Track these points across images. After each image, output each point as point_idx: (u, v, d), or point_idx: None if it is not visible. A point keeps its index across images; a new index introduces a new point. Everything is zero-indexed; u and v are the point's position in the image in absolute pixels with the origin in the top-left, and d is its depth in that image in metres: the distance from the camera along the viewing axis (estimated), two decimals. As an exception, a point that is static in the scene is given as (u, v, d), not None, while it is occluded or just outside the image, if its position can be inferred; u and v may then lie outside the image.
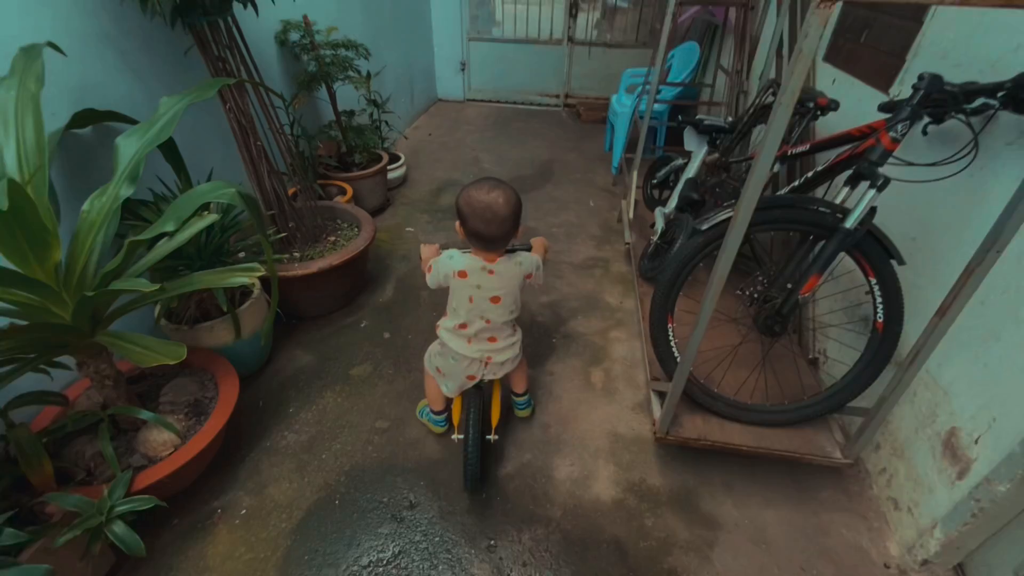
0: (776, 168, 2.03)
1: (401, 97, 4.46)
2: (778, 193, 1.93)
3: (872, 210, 1.43)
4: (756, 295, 1.66)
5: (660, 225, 2.39)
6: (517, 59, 5.19)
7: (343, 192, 2.90)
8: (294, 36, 2.63)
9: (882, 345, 1.55)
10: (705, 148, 2.52)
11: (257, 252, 2.04)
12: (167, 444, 1.49)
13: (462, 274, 1.43)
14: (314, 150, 2.72)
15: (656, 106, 3.58)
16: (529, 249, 1.56)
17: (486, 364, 1.57)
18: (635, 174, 2.98)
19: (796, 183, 1.82)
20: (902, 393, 1.41)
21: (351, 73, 2.74)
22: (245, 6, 1.89)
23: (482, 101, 5.47)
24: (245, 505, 1.62)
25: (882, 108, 1.58)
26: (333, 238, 2.43)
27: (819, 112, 1.97)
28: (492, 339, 1.55)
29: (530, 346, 2.27)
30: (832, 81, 2.26)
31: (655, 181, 2.96)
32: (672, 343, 1.71)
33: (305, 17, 2.59)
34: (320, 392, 2.02)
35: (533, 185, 3.74)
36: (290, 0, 2.60)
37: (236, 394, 1.67)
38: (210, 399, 1.68)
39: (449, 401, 1.78)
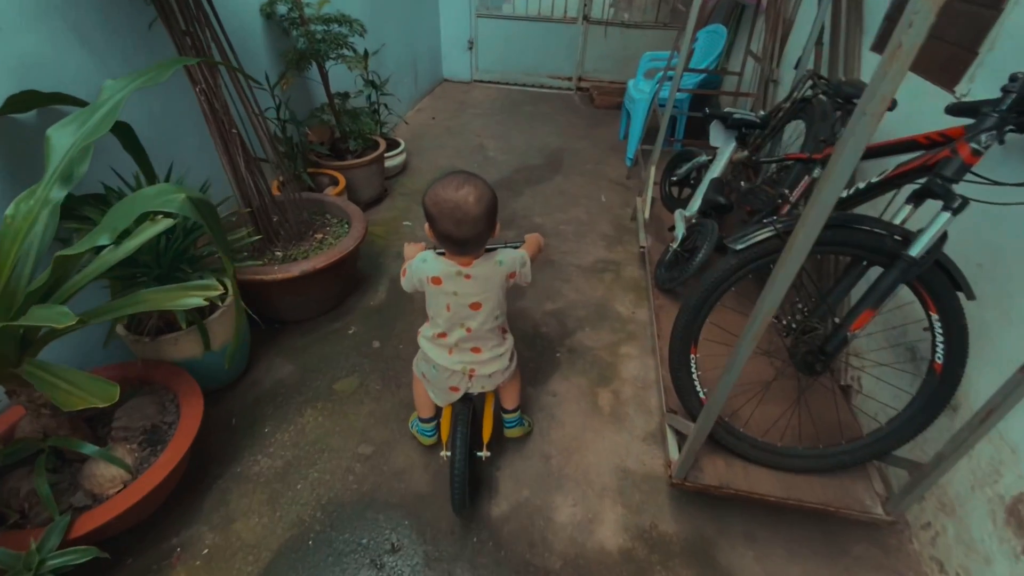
0: (816, 172, 1.79)
1: (403, 78, 4.20)
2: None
3: (943, 236, 1.20)
4: (794, 325, 1.45)
5: (680, 230, 2.16)
6: (528, 38, 4.88)
7: (335, 182, 2.68)
8: (282, 8, 2.39)
9: (940, 389, 1.33)
10: (733, 145, 2.27)
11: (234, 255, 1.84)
12: (115, 480, 1.32)
13: (436, 280, 1.29)
14: (303, 136, 2.49)
15: (677, 94, 3.32)
16: (518, 247, 1.40)
17: (470, 377, 1.43)
18: (652, 169, 2.73)
19: (844, 194, 1.59)
20: (966, 452, 1.20)
21: (345, 51, 2.50)
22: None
23: (490, 83, 5.18)
24: (208, 543, 1.45)
25: (951, 111, 1.34)
26: (320, 235, 2.22)
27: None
28: (476, 349, 1.40)
29: (532, 360, 2.08)
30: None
31: (674, 178, 2.72)
32: (695, 376, 1.50)
33: (294, -13, 2.34)
34: (299, 409, 1.84)
35: (541, 176, 3.49)
36: (278, -32, 2.36)
37: (199, 420, 1.48)
38: (170, 424, 1.50)
39: (439, 409, 1.60)
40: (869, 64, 2.16)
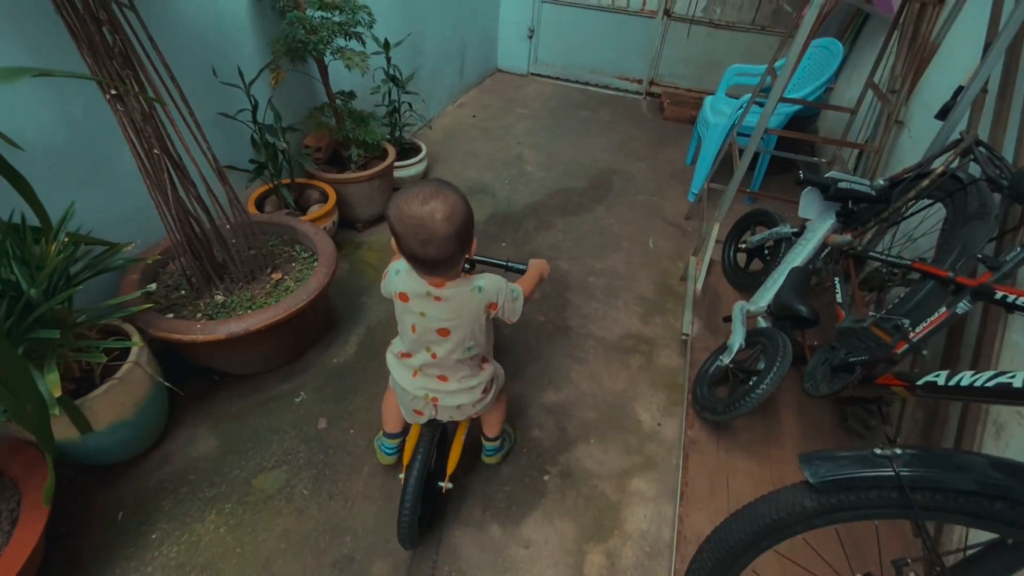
0: (962, 307, 1.16)
1: (446, 68, 3.70)
2: (982, 380, 1.02)
3: None
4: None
5: (737, 338, 1.58)
6: (597, 31, 4.23)
7: (326, 198, 2.26)
8: (274, -13, 1.95)
9: None
10: (831, 223, 1.65)
11: (177, 303, 1.45)
12: None
13: (403, 296, 1.14)
14: (287, 143, 2.07)
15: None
16: (523, 271, 1.33)
17: (434, 404, 1.27)
18: (716, 226, 2.12)
19: None
20: None
21: (345, 43, 2.03)
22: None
23: (548, 77, 4.59)
24: None
25: None
26: (278, 275, 1.81)
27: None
28: (442, 377, 1.24)
29: (511, 481, 1.59)
30: (1089, 153, 1.31)
31: (743, 245, 2.10)
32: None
33: (285, -38, 1.89)
34: (202, 510, 1.45)
35: (580, 205, 2.93)
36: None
37: (27, 553, 1.11)
38: (-7, 548, 1.14)
39: (407, 426, 1.43)
40: (1061, 131, 1.46)
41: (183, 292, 1.71)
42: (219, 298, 1.69)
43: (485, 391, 1.30)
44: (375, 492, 1.52)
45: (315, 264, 1.82)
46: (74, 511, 1.42)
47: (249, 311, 1.65)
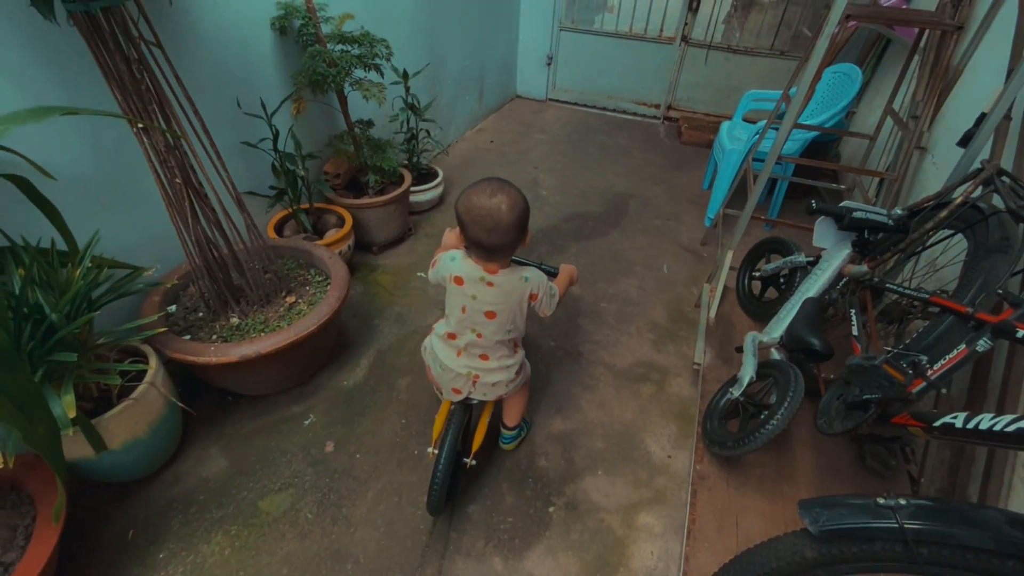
0: (982, 344, 1.11)
1: (465, 95, 3.79)
2: (1002, 424, 0.97)
3: None
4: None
5: (748, 370, 1.54)
6: (615, 57, 4.28)
7: (342, 222, 2.32)
8: (298, 22, 2.04)
9: None
10: (847, 253, 1.61)
11: (189, 326, 1.50)
12: None
13: (458, 280, 1.29)
14: (306, 169, 2.14)
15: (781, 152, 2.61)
16: (555, 274, 1.50)
17: (474, 382, 1.41)
18: (729, 254, 2.09)
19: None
20: None
21: (363, 75, 2.11)
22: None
23: (566, 103, 4.65)
24: None
25: None
26: (292, 299, 1.85)
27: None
28: (484, 356, 1.39)
29: (515, 510, 1.56)
30: (1119, 185, 1.26)
31: (757, 273, 2.06)
32: None
33: (308, 0, 1.97)
34: (209, 531, 1.47)
35: (595, 229, 2.93)
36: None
37: (45, 559, 1.14)
38: (6, 568, 1.17)
39: (438, 402, 1.64)
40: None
41: (201, 314, 1.76)
42: (235, 320, 1.74)
43: (518, 372, 1.46)
44: (377, 519, 1.52)
45: (328, 288, 1.86)
46: (87, 528, 1.45)
47: (262, 334, 1.69)
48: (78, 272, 1.30)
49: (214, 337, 1.69)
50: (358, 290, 2.36)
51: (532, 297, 1.33)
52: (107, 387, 1.41)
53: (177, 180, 1.46)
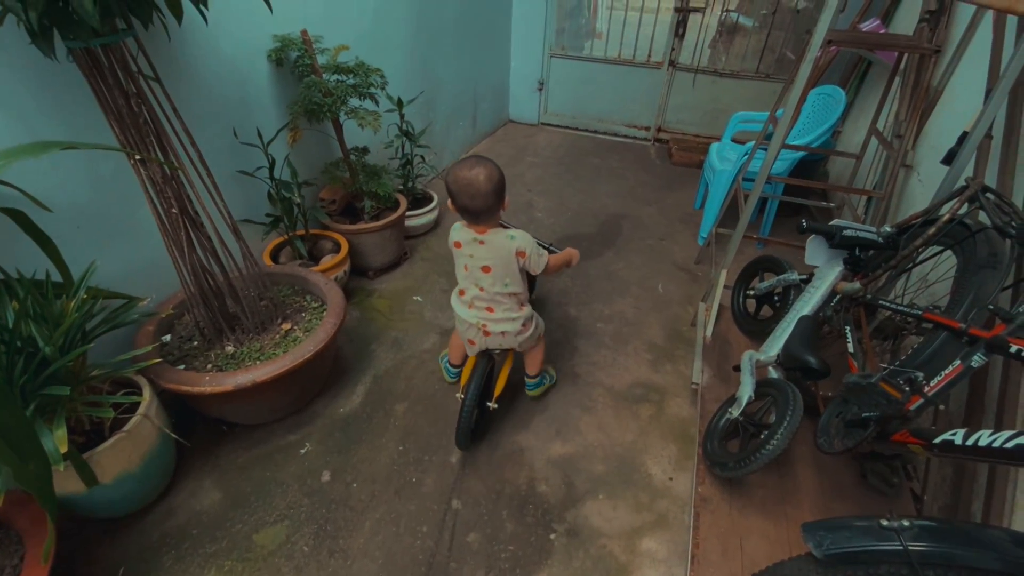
0: (976, 360, 1.12)
1: (459, 120, 3.85)
2: (1001, 440, 0.97)
3: None
4: None
5: (746, 389, 1.54)
6: (605, 81, 4.38)
7: (338, 248, 2.33)
8: (294, 54, 2.08)
9: None
10: (839, 271, 1.63)
11: (184, 354, 1.49)
12: None
13: (457, 244, 1.56)
14: (302, 196, 2.15)
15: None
16: (557, 252, 1.73)
17: (484, 332, 1.63)
18: (723, 273, 2.11)
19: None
20: None
21: (358, 103, 2.14)
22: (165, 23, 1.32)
23: (558, 127, 4.73)
24: None
25: None
26: (288, 325, 1.84)
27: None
28: (489, 308, 1.62)
29: (515, 539, 1.54)
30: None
31: (751, 292, 2.08)
32: None
33: (304, 32, 2.02)
34: (202, 567, 1.43)
35: (589, 250, 2.95)
36: (298, 11, 2.05)
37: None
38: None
39: (466, 357, 1.82)
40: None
41: (195, 343, 1.75)
42: (229, 349, 1.73)
43: (525, 325, 1.66)
44: (375, 550, 1.49)
45: (324, 314, 1.85)
46: (77, 566, 1.41)
47: (257, 362, 1.68)
48: (72, 304, 1.29)
49: (209, 366, 1.67)
50: (354, 315, 2.36)
51: (520, 254, 1.51)
52: (99, 420, 1.39)
53: (174, 210, 1.47)
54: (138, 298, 1.52)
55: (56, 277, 1.38)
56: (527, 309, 1.68)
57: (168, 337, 1.76)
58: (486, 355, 1.72)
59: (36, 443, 0.95)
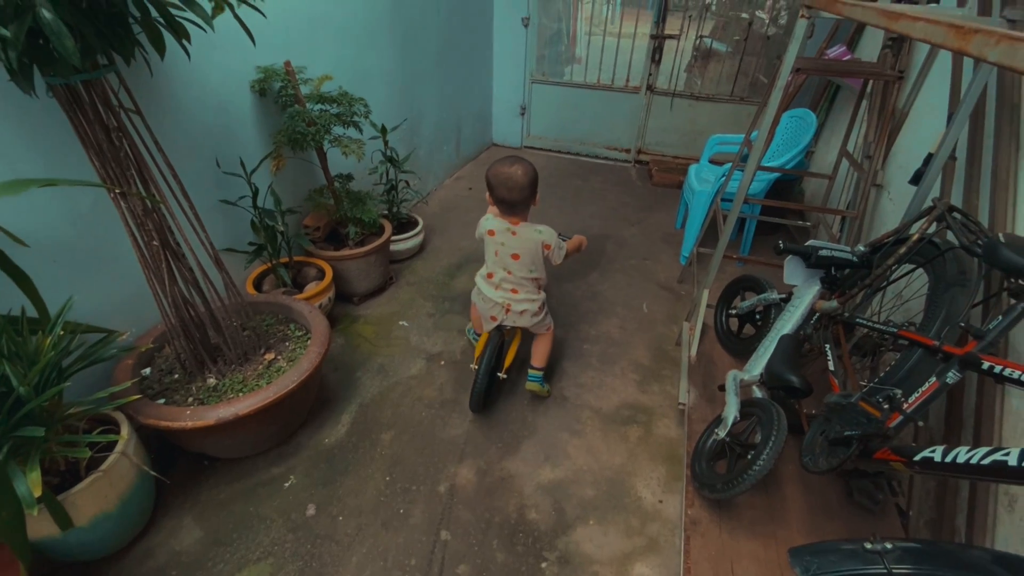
0: (951, 376, 1.15)
1: (443, 145, 3.90)
2: (978, 457, 0.99)
3: None
4: None
5: (732, 409, 1.55)
6: (585, 106, 4.48)
7: (322, 275, 2.31)
8: (278, 84, 2.10)
9: None
10: (816, 290, 1.66)
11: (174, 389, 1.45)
12: None
13: (491, 232, 1.77)
14: (286, 224, 2.15)
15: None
16: (569, 238, 1.94)
17: (507, 310, 1.87)
18: (705, 293, 2.14)
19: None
20: None
21: (342, 131, 2.16)
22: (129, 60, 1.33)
23: (540, 149, 4.80)
24: None
25: None
26: (271, 355, 1.82)
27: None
28: (514, 290, 1.85)
29: (506, 569, 1.51)
30: (1061, 220, 1.34)
31: (733, 311, 2.11)
32: None
33: (287, 63, 2.04)
34: (182, 611, 1.38)
35: (573, 271, 2.97)
36: (281, 43, 2.08)
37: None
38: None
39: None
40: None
41: (176, 376, 1.72)
42: (211, 381, 1.70)
43: (540, 308, 1.91)
44: (363, 586, 1.45)
45: (309, 343, 1.83)
46: (47, 616, 1.35)
47: (240, 394, 1.65)
48: (48, 341, 1.26)
49: (190, 399, 1.64)
50: (339, 342, 2.34)
51: (546, 247, 1.76)
52: (75, 459, 1.35)
53: (154, 242, 1.46)
54: (117, 332, 1.49)
55: (32, 313, 1.35)
56: (543, 294, 1.92)
57: (148, 370, 1.72)
58: (499, 332, 1.94)
59: (8, 488, 0.92)
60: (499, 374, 1.97)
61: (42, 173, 1.42)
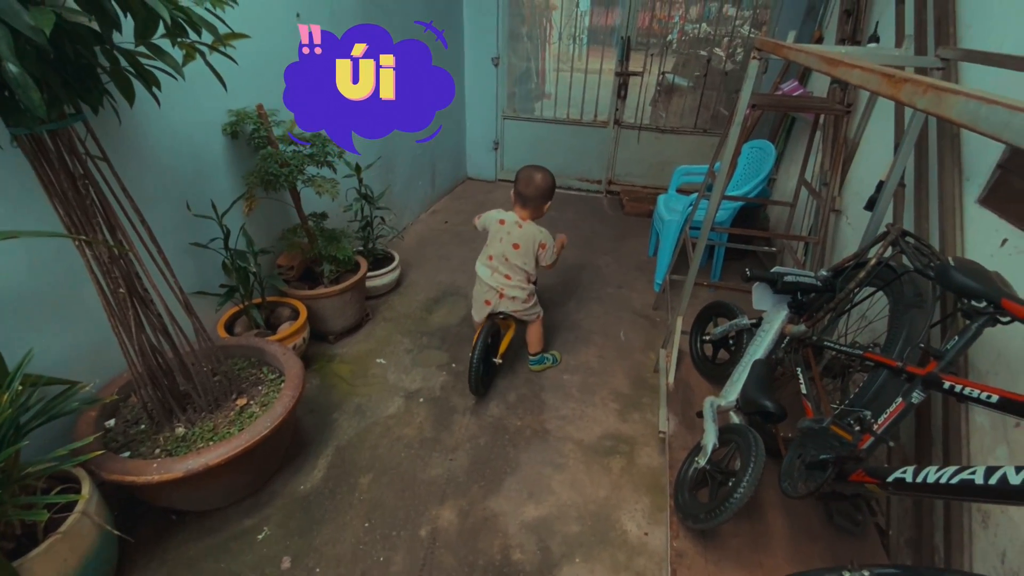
0: (916, 397, 1.19)
1: (418, 180, 3.94)
2: (946, 476, 1.02)
3: None
4: None
5: (710, 437, 1.56)
6: (556, 140, 4.61)
7: (297, 314, 2.28)
8: (250, 127, 2.10)
9: None
10: (784, 314, 1.71)
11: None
12: None
13: (502, 221, 2.13)
14: (259, 265, 2.12)
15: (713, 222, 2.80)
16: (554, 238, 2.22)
17: (500, 295, 2.12)
18: (679, 320, 2.18)
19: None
20: None
21: (315, 172, 2.17)
22: (96, 110, 1.32)
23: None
24: None
25: None
26: (243, 400, 1.77)
27: (999, 319, 1.13)
28: (507, 276, 2.12)
29: (492, 614, 1.46)
30: (1001, 242, 1.43)
31: (707, 338, 2.15)
32: None
33: (259, 107, 2.06)
34: None
35: (550, 301, 2.99)
36: (253, 85, 2.10)
37: None
38: None
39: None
40: (975, 220, 1.59)
41: (143, 426, 1.65)
42: (180, 431, 1.63)
43: (529, 297, 2.19)
44: (342, 642, 1.39)
45: (282, 386, 1.79)
46: None
47: (210, 443, 1.59)
48: (6, 398, 1.20)
49: (157, 451, 1.57)
50: (315, 383, 2.29)
51: (541, 246, 2.10)
52: (32, 521, 1.27)
53: (121, 290, 1.42)
54: (79, 383, 1.43)
55: (-12, 367, 1.29)
56: (532, 286, 2.19)
57: (112, 422, 1.65)
58: (492, 321, 2.15)
59: (-45, 562, 0.86)
60: (495, 360, 2.21)
61: (4, 221, 1.38)
